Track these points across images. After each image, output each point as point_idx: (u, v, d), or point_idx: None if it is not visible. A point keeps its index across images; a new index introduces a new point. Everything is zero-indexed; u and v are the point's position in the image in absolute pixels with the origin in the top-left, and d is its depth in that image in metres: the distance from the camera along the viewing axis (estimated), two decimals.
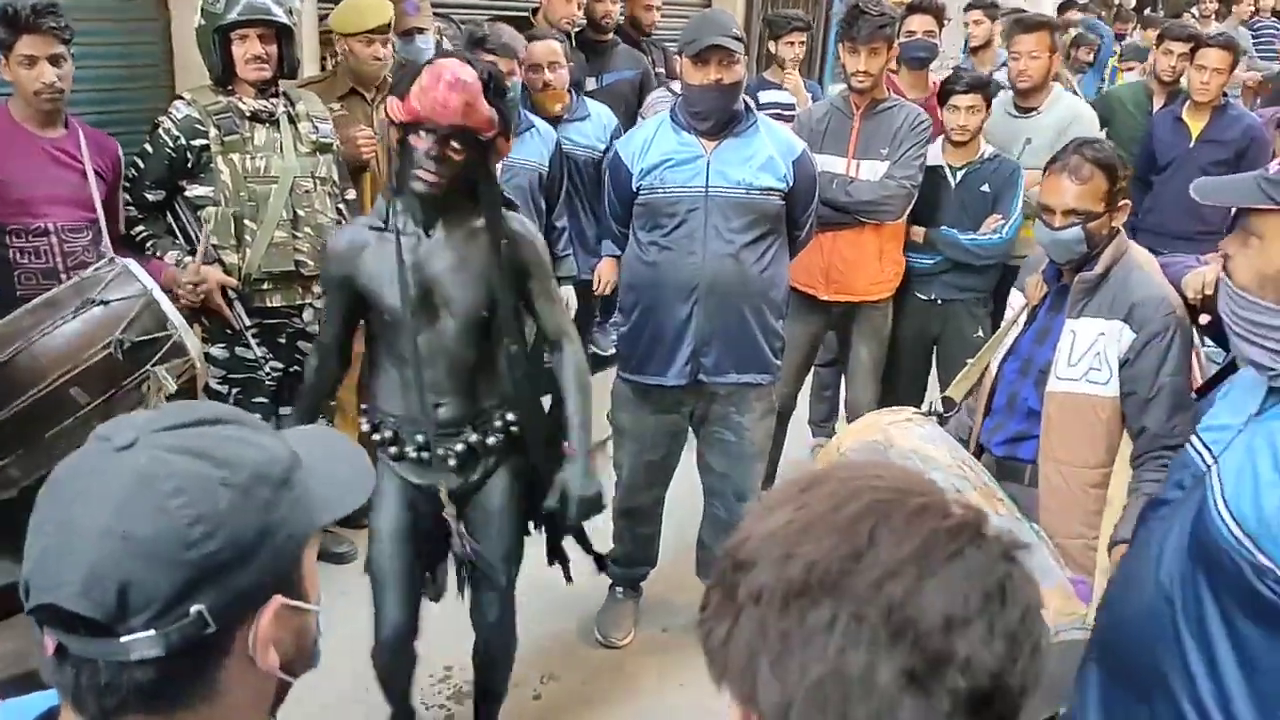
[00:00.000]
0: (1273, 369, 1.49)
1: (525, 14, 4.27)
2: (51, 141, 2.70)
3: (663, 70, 4.78)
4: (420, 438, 2.33)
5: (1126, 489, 2.24)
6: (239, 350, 3.01)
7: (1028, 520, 2.22)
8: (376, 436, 2.36)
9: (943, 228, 3.61)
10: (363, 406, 2.50)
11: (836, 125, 3.52)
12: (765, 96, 4.33)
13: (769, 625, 0.62)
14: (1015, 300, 2.56)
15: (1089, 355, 2.27)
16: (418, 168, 2.13)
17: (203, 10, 2.86)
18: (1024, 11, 4.81)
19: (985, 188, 3.60)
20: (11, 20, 2.53)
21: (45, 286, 2.55)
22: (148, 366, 2.33)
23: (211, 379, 3.07)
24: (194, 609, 0.77)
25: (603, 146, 3.70)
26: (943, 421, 2.52)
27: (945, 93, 3.61)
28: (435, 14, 3.78)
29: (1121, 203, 2.32)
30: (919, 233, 3.63)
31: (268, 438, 0.86)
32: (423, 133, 2.12)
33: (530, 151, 3.45)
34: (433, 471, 2.36)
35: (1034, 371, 2.40)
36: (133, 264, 2.47)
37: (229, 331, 2.98)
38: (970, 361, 2.63)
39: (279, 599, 0.82)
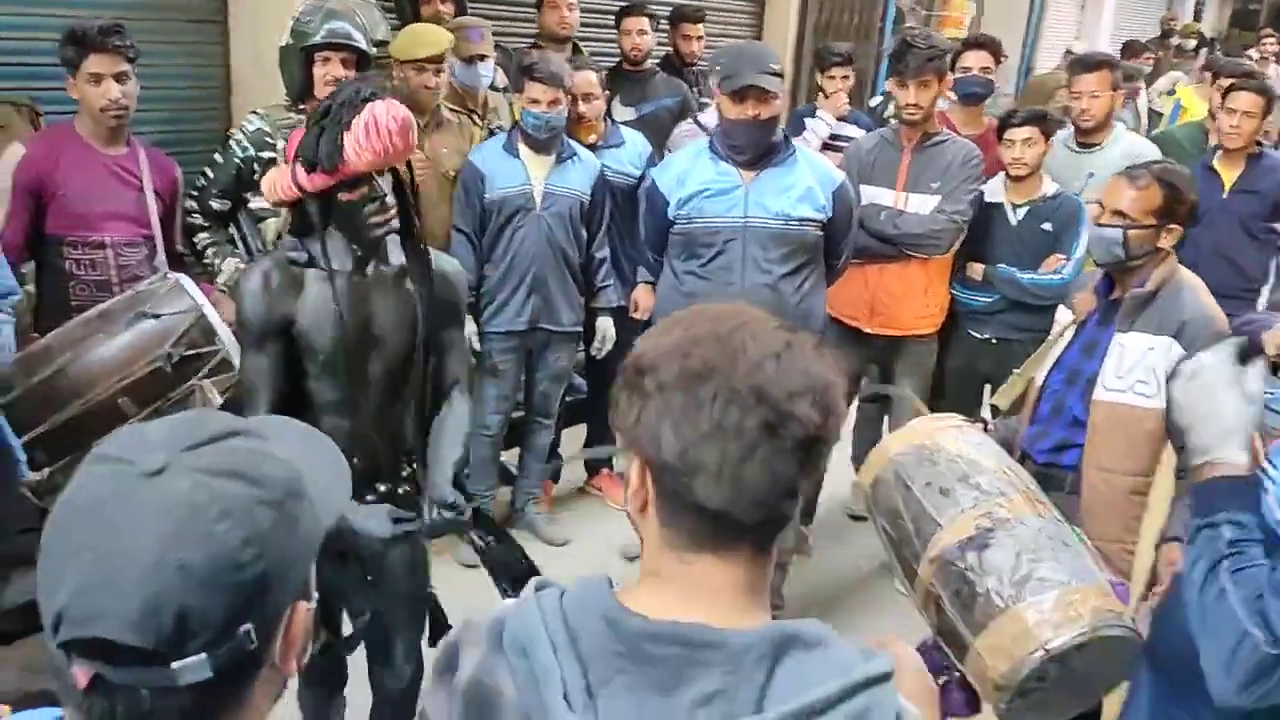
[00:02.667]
0: None
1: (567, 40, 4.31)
2: (114, 159, 2.78)
3: (708, 100, 4.80)
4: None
5: (1165, 495, 2.23)
6: None
7: (1069, 524, 2.20)
8: None
9: (1001, 266, 3.54)
10: None
11: (886, 157, 3.51)
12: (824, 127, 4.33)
13: (672, 401, 0.89)
14: (1062, 316, 2.64)
15: (1137, 369, 2.32)
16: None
17: (293, 30, 2.97)
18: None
19: (1047, 226, 3.54)
20: (79, 39, 2.62)
21: (99, 298, 2.62)
22: (194, 380, 2.38)
23: None
24: (243, 629, 0.77)
25: (637, 173, 3.73)
26: (988, 429, 2.52)
27: (1002, 127, 3.58)
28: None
29: (1172, 225, 2.36)
30: (977, 270, 3.58)
31: (275, 445, 0.86)
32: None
33: (572, 179, 3.47)
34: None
35: (1081, 382, 2.43)
36: (185, 279, 2.53)
37: None
38: (1017, 371, 2.67)
39: (304, 604, 0.84)
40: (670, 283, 2.97)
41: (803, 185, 2.83)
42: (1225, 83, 4.43)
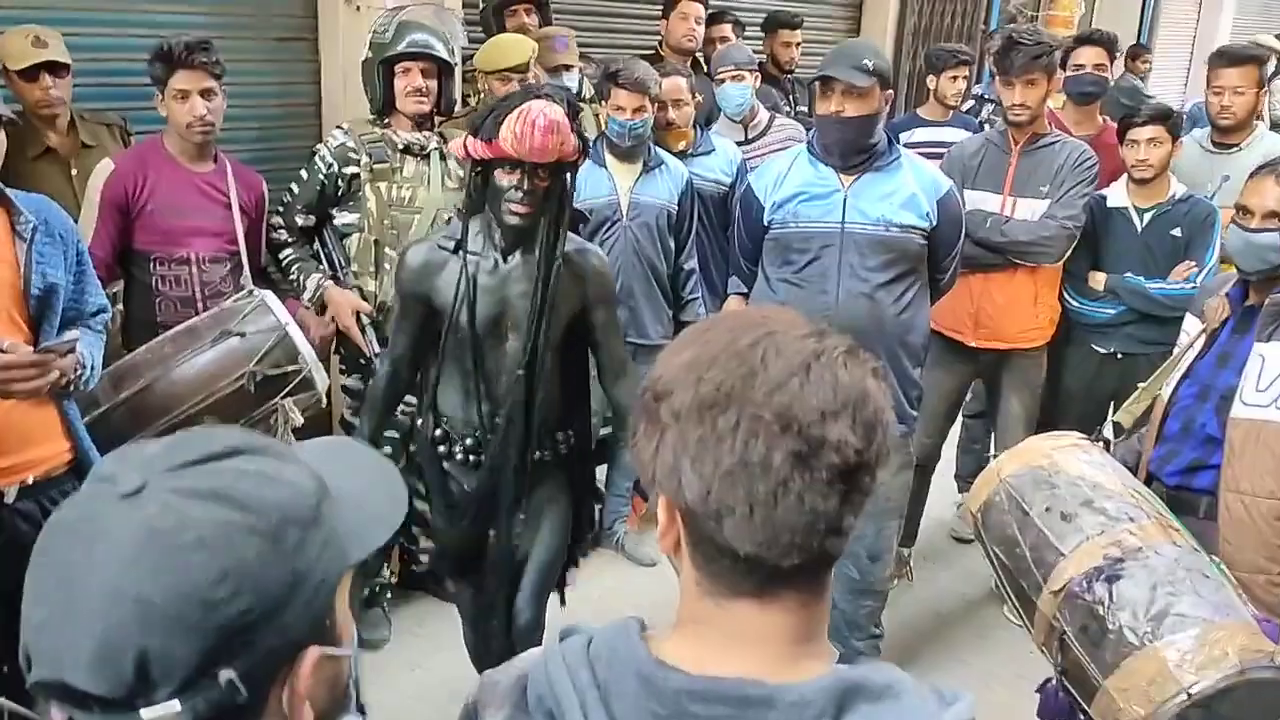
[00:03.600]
0: None
1: (652, 50, 4.26)
2: (201, 176, 2.78)
3: (805, 108, 4.68)
4: (469, 440, 2.35)
5: None
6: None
7: (1206, 554, 2.05)
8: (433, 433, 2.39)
9: (1126, 275, 3.32)
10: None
11: (992, 161, 3.33)
12: (920, 135, 4.18)
13: (688, 434, 0.77)
14: (1190, 325, 2.43)
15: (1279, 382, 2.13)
16: (507, 201, 2.18)
17: (371, 43, 2.96)
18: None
19: (1176, 231, 3.32)
20: (167, 56, 2.63)
21: (183, 314, 2.63)
22: (277, 399, 2.37)
23: (345, 410, 3.10)
24: (224, 676, 0.68)
25: (729, 180, 3.62)
26: (1109, 448, 2.37)
27: (1124, 126, 3.37)
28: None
29: None
30: (1099, 279, 3.38)
31: (290, 467, 0.76)
32: (509, 168, 2.17)
33: (659, 189, 3.39)
34: (474, 475, 2.37)
35: (1214, 397, 2.25)
36: (270, 297, 2.52)
37: (362, 362, 3.00)
38: (1142, 386, 2.50)
39: (315, 650, 0.74)
40: (763, 291, 2.85)
41: (906, 191, 2.68)
42: None
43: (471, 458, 2.36)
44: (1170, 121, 3.28)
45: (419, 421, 2.44)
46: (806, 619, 0.82)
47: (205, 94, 2.67)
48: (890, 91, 2.71)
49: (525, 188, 2.16)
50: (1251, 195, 2.22)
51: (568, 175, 2.26)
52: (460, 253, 2.26)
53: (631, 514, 3.92)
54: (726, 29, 4.33)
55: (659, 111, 3.46)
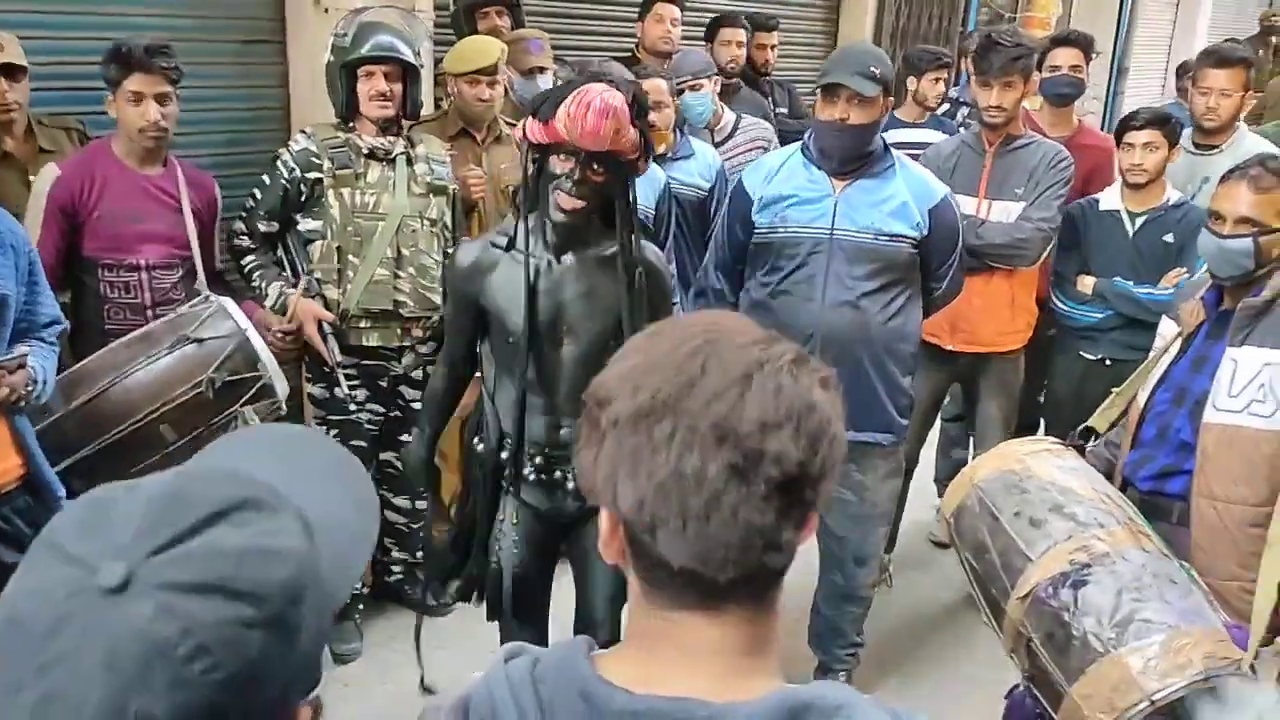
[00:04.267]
0: None
1: (629, 53, 4.23)
2: (151, 179, 2.70)
3: (784, 110, 4.64)
4: (539, 460, 2.25)
5: None
6: (338, 391, 2.98)
7: (1177, 560, 2.04)
8: (498, 454, 2.29)
9: (1116, 279, 3.29)
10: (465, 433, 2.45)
11: (967, 163, 3.32)
12: (896, 136, 4.15)
13: (624, 443, 0.75)
14: (1166, 328, 2.41)
15: (1252, 386, 2.12)
16: (557, 191, 2.10)
17: (333, 46, 2.89)
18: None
19: (1168, 237, 3.27)
20: (123, 58, 2.55)
21: (133, 322, 2.56)
22: (236, 406, 2.32)
23: (311, 420, 3.06)
24: None
25: (707, 185, 3.58)
26: (1082, 453, 2.36)
27: (1122, 130, 3.32)
28: None
29: None
30: (1088, 283, 3.35)
31: (280, 523, 0.69)
32: (564, 155, 2.08)
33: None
34: (551, 495, 2.29)
35: (1189, 402, 2.23)
36: (228, 302, 2.47)
37: (326, 370, 2.96)
38: (1116, 390, 2.46)
39: (306, 710, 0.72)
40: (747, 297, 2.81)
41: (898, 199, 2.63)
42: None
43: (544, 476, 2.26)
44: (1168, 127, 3.23)
45: (479, 446, 2.33)
46: (753, 634, 0.79)
47: (160, 99, 2.60)
48: (891, 99, 2.67)
49: (577, 177, 2.07)
50: (1223, 200, 2.19)
51: (629, 179, 2.17)
52: (516, 251, 2.17)
53: None
54: (740, 34, 4.28)
55: None
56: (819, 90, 2.63)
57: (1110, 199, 3.35)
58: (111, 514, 0.65)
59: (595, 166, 2.08)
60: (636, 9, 4.24)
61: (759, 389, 0.74)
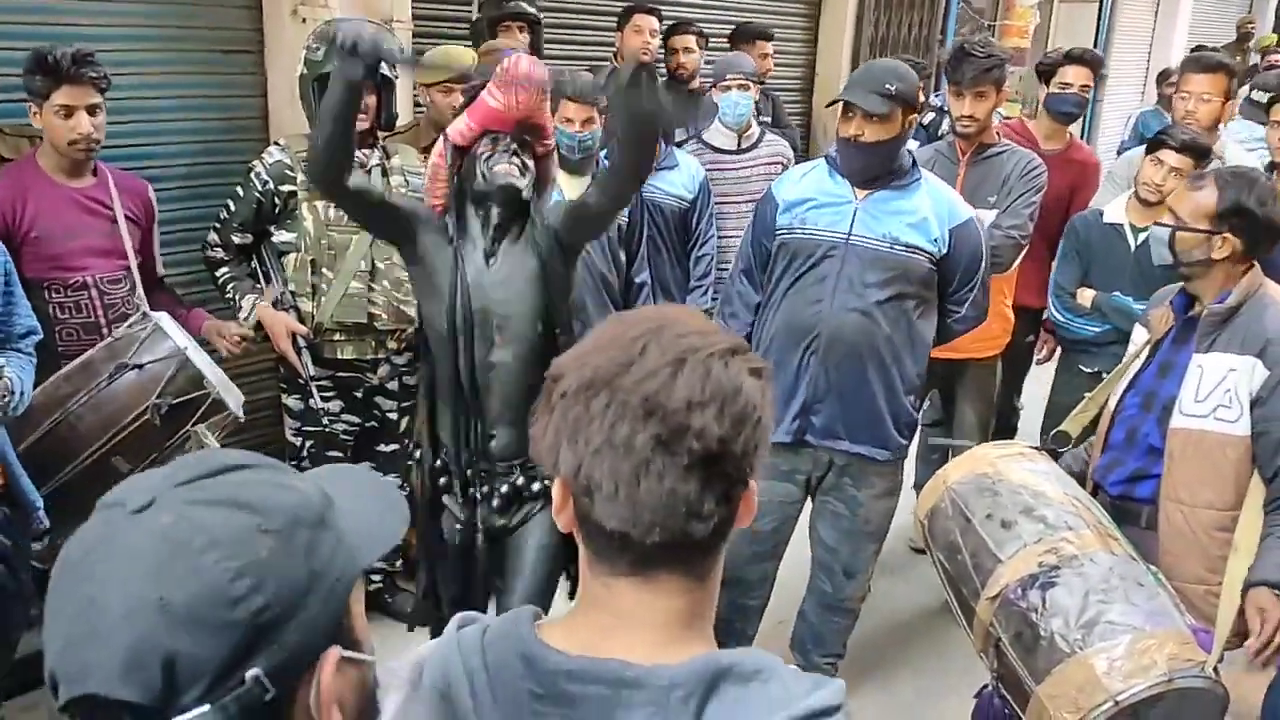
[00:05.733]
0: None
1: (607, 62, 4.25)
2: (82, 190, 2.61)
3: (768, 119, 4.66)
4: (468, 472, 2.26)
5: (1253, 532, 2.08)
6: (312, 403, 2.98)
7: (1144, 563, 2.06)
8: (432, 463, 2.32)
9: (1115, 293, 3.27)
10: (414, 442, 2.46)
11: (941, 171, 3.31)
12: None
13: (568, 413, 0.83)
14: (1138, 335, 2.44)
15: (1218, 391, 2.16)
16: (495, 165, 2.16)
17: (305, 60, 2.88)
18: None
19: None
20: (52, 69, 2.44)
21: (87, 341, 2.50)
22: (188, 426, 2.27)
23: (287, 430, 3.05)
24: (250, 674, 0.69)
25: (690, 197, 3.59)
26: (1056, 457, 2.39)
27: (1155, 143, 3.26)
28: None
29: (1227, 235, 2.15)
30: (1087, 296, 3.35)
31: (294, 478, 0.79)
32: (487, 140, 2.18)
33: None
34: (473, 508, 2.29)
35: (1157, 407, 2.26)
36: (165, 320, 2.40)
37: (300, 383, 2.95)
38: (1088, 395, 2.50)
39: (336, 650, 0.75)
40: (761, 299, 2.78)
41: (919, 214, 2.60)
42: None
43: (469, 490, 2.25)
44: (1204, 161, 3.17)
45: (418, 453, 2.33)
46: (690, 604, 0.86)
47: (91, 110, 2.50)
48: (915, 115, 2.63)
49: (510, 148, 2.17)
50: (1175, 202, 2.26)
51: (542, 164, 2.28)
52: (451, 242, 2.21)
53: None
54: (690, 40, 4.30)
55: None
56: (838, 109, 2.62)
57: (1115, 212, 3.32)
58: (149, 473, 0.77)
59: (526, 138, 2.19)
60: (615, 19, 4.26)
61: (690, 371, 0.81)
